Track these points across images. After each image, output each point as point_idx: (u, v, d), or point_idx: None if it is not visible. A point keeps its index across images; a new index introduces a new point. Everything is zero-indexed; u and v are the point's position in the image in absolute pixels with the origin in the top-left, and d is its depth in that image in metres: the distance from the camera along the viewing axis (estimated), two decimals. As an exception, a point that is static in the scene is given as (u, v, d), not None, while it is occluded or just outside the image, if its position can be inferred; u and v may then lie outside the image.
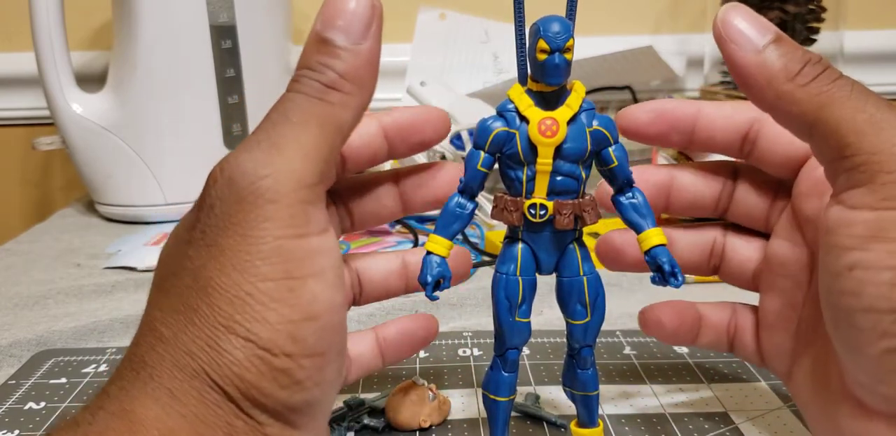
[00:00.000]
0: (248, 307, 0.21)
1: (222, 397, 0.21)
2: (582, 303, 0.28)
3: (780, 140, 0.28)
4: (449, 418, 0.36)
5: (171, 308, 0.22)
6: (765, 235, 0.30)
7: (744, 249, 0.31)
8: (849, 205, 0.22)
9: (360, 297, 0.31)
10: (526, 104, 0.26)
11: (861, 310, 0.21)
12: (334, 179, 0.27)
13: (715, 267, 0.32)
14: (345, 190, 0.30)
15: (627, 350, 0.43)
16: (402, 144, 0.29)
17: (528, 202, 0.27)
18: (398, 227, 0.65)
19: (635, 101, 0.91)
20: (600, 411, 0.36)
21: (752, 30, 0.24)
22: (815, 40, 0.80)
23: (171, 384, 0.21)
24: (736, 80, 0.24)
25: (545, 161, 0.26)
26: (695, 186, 0.31)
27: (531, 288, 0.28)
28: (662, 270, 0.27)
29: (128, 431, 0.21)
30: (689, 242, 0.31)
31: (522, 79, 0.27)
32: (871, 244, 0.21)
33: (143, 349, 0.23)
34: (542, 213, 0.27)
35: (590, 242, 0.29)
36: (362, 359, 0.31)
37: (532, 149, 0.26)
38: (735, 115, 0.29)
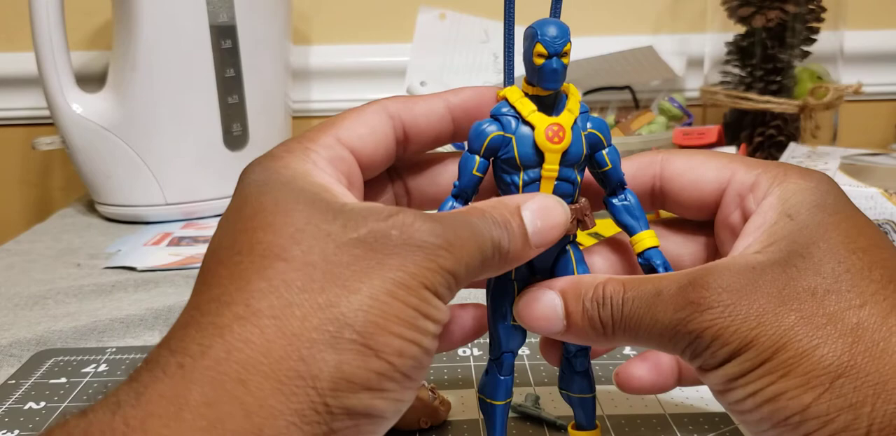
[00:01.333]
0: (377, 312, 0.22)
1: (304, 384, 0.20)
2: None
3: (683, 189, 0.29)
4: (449, 418, 0.36)
5: (288, 284, 0.22)
6: None
7: (687, 257, 0.31)
8: (706, 370, 0.25)
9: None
10: (529, 110, 0.26)
11: (758, 435, 0.24)
12: (393, 159, 0.28)
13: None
14: (405, 168, 0.30)
15: (627, 350, 0.43)
16: (469, 124, 0.28)
17: None
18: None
19: (635, 101, 0.91)
20: (600, 412, 0.36)
21: (547, 317, 0.26)
22: (815, 40, 0.80)
23: (245, 367, 0.20)
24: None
25: (552, 167, 0.26)
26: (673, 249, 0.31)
27: None
28: (656, 272, 0.27)
29: (174, 417, 0.19)
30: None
31: (509, 82, 0.27)
32: (729, 386, 0.24)
33: (225, 320, 0.21)
34: None
35: (588, 241, 0.29)
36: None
37: (537, 154, 0.26)
38: (637, 173, 0.30)
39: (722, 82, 0.85)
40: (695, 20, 0.94)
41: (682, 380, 0.31)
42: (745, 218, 0.27)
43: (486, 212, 0.25)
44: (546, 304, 0.26)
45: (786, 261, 0.24)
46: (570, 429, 0.31)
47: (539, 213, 0.26)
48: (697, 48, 0.91)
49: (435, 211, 0.27)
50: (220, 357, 0.20)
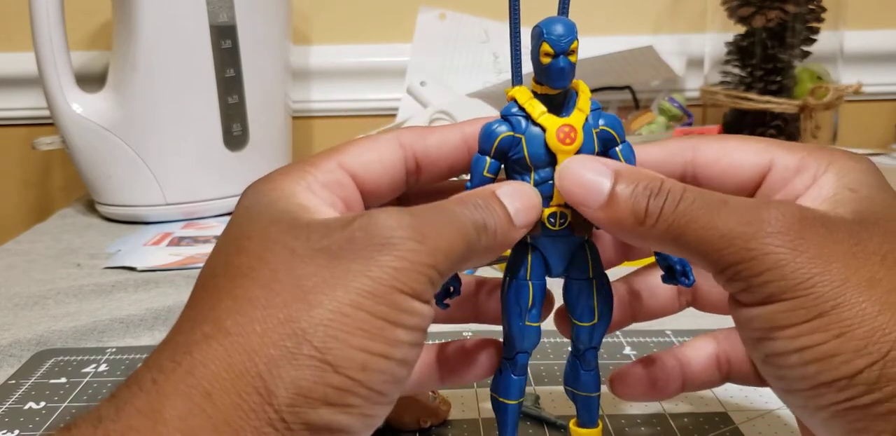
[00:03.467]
0: (338, 325, 0.21)
1: (262, 401, 0.21)
2: (590, 305, 0.28)
3: (719, 175, 0.28)
4: (449, 418, 0.36)
5: (251, 302, 0.22)
6: None
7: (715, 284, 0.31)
8: (743, 304, 0.23)
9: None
10: (539, 111, 0.26)
11: (791, 392, 0.23)
12: (402, 190, 0.28)
13: (687, 302, 0.31)
14: (417, 197, 0.30)
15: (627, 350, 0.43)
16: None
17: (547, 211, 0.26)
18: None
19: (635, 100, 0.91)
20: (600, 412, 0.36)
21: (588, 186, 0.25)
22: (815, 40, 0.80)
23: (210, 383, 0.21)
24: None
25: None
26: None
27: (541, 292, 0.28)
28: (674, 269, 0.27)
29: (151, 431, 0.20)
30: (656, 284, 0.31)
31: (517, 81, 0.27)
32: (772, 334, 0.22)
33: (194, 338, 0.22)
34: (562, 221, 0.27)
35: None
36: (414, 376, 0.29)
37: (549, 155, 0.26)
38: (666, 160, 0.28)
39: (722, 82, 0.85)
40: (695, 20, 0.94)
41: (686, 386, 0.30)
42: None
43: (463, 198, 0.25)
44: (594, 173, 0.25)
45: (857, 223, 0.23)
46: (571, 426, 0.31)
47: (514, 194, 0.25)
48: (697, 48, 0.91)
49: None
50: (188, 373, 0.21)
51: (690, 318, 0.34)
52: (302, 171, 0.26)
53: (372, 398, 0.22)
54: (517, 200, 0.25)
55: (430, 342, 0.31)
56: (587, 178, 0.25)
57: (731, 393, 0.38)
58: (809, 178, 0.25)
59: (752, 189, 0.27)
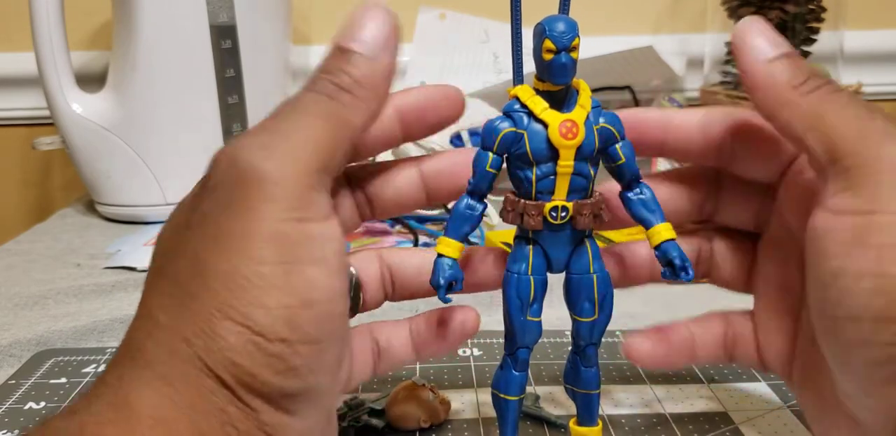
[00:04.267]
0: (245, 292, 0.21)
1: (217, 383, 0.21)
2: (590, 301, 0.28)
3: (760, 144, 0.28)
4: (449, 418, 0.36)
5: (167, 293, 0.22)
6: (755, 234, 0.30)
7: (734, 254, 0.30)
8: (834, 211, 0.22)
9: (392, 293, 0.30)
10: (541, 107, 0.26)
11: (845, 319, 0.21)
12: (341, 170, 0.27)
13: (704, 273, 0.31)
14: (364, 177, 0.30)
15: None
16: (419, 125, 0.28)
17: (549, 205, 0.27)
18: (398, 227, 0.65)
19: (635, 101, 0.91)
20: (600, 411, 0.36)
21: (766, 42, 0.25)
22: (815, 40, 0.80)
23: (166, 372, 0.21)
24: (744, 85, 0.25)
25: (567, 163, 0.26)
26: (672, 199, 0.30)
27: (542, 287, 0.28)
28: (673, 264, 0.27)
29: (124, 420, 0.21)
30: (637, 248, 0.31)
31: (518, 80, 0.27)
32: (853, 250, 0.21)
33: (140, 335, 0.23)
34: (564, 215, 0.27)
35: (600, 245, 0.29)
36: (393, 350, 0.30)
37: (551, 151, 0.26)
38: (712, 123, 0.28)
39: (722, 82, 0.85)
40: (695, 20, 0.94)
41: (695, 356, 0.30)
42: None
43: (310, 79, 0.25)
44: (774, 36, 0.25)
45: None
46: (571, 425, 0.31)
47: (355, 29, 0.26)
48: (697, 48, 0.91)
49: (397, 216, 0.27)
50: (146, 367, 0.22)
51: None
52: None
53: (314, 351, 0.22)
54: (364, 33, 0.25)
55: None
56: (770, 33, 0.25)
57: (731, 393, 0.38)
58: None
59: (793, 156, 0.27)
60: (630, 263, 0.31)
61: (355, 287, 0.29)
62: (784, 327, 0.29)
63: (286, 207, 0.22)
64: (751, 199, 0.30)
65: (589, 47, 0.79)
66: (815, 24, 0.79)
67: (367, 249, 0.31)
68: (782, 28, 0.78)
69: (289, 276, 0.21)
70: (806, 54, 0.80)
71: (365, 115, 0.25)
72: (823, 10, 0.79)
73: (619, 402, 0.37)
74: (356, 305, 0.29)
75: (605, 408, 0.37)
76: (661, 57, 0.84)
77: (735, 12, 0.79)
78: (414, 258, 0.30)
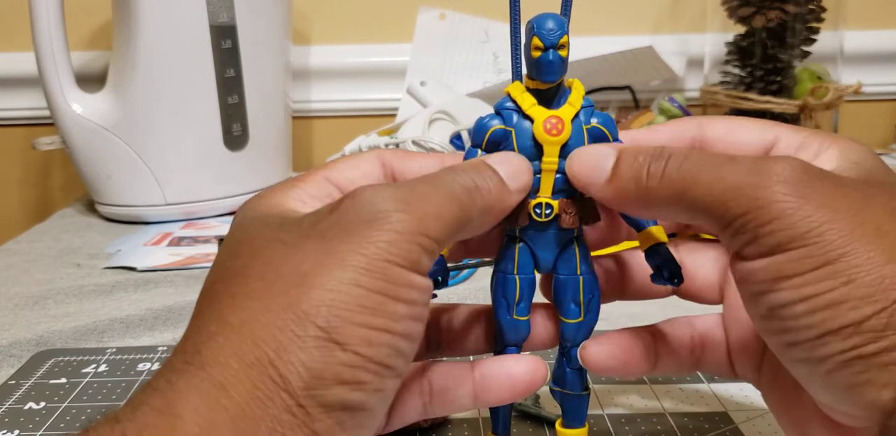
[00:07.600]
0: (338, 303, 0.22)
1: (277, 388, 0.21)
2: (576, 302, 0.28)
3: (725, 151, 0.28)
4: (449, 417, 0.36)
5: (249, 295, 0.22)
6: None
7: (701, 268, 0.30)
8: (747, 258, 0.23)
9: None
10: (529, 103, 0.26)
11: (795, 344, 0.22)
12: (449, 245, 0.28)
13: (673, 290, 0.31)
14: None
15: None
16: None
17: (533, 202, 0.27)
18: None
19: (635, 101, 0.91)
20: (601, 411, 0.36)
21: (592, 164, 0.25)
22: (815, 40, 0.80)
23: (223, 375, 0.21)
24: (612, 207, 0.27)
25: (551, 160, 0.26)
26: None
27: (529, 286, 0.28)
28: (661, 269, 0.27)
29: (168, 427, 0.20)
30: (642, 266, 0.30)
31: (517, 77, 0.27)
32: (778, 285, 0.22)
33: (202, 338, 0.22)
34: (548, 212, 0.27)
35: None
36: (449, 393, 0.29)
37: (536, 147, 0.26)
38: (674, 136, 0.29)
39: (722, 82, 0.85)
40: (695, 20, 0.94)
41: (656, 365, 0.29)
42: None
43: (451, 166, 0.26)
44: (597, 154, 0.25)
45: (863, 181, 0.23)
46: (557, 427, 0.31)
47: (503, 159, 0.26)
48: (697, 48, 0.91)
49: None
50: (200, 369, 0.21)
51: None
52: (290, 185, 0.27)
53: (381, 373, 0.22)
54: (506, 164, 0.26)
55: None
56: (591, 157, 0.25)
57: (731, 393, 0.38)
58: (812, 153, 0.26)
59: None
60: (627, 274, 0.30)
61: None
62: (755, 337, 0.29)
63: (398, 252, 0.23)
64: None
65: (589, 47, 0.80)
66: (815, 24, 0.80)
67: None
68: (782, 28, 0.78)
69: (381, 305, 0.22)
70: (806, 54, 0.80)
71: (485, 219, 0.26)
72: (823, 10, 0.79)
73: (619, 402, 0.37)
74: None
75: (605, 408, 0.37)
76: (661, 57, 0.84)
77: (735, 12, 0.79)
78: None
